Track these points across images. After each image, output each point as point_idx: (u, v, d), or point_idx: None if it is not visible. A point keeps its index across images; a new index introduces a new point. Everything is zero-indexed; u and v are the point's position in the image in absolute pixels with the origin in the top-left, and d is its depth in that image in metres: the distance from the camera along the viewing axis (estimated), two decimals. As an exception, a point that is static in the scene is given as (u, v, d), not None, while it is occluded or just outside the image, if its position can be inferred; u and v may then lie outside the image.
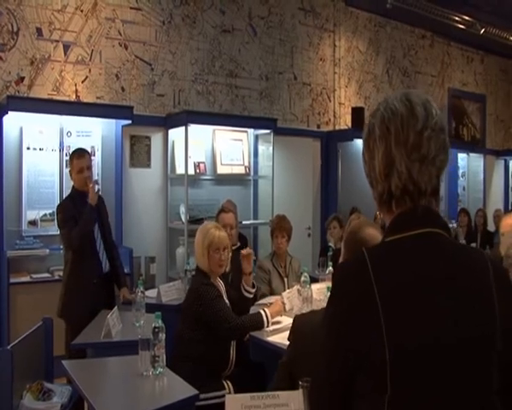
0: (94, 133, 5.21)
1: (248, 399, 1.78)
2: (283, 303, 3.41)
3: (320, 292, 3.81)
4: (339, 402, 1.12)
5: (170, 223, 5.76)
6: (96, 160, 5.15)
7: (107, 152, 5.24)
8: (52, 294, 4.43)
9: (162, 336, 2.42)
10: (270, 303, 3.42)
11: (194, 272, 4.16)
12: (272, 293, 4.03)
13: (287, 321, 3.24)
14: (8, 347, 2.61)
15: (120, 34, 5.52)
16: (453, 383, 1.05)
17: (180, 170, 5.72)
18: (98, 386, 2.48)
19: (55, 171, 5.08)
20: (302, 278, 3.62)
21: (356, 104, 7.72)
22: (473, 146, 9.88)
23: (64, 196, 4.98)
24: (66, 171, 5.07)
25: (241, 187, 6.38)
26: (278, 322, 3.24)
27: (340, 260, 2.07)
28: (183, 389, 2.35)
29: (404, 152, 1.11)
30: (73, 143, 5.08)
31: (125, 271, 4.28)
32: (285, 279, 4.25)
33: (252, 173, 6.40)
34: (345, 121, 7.64)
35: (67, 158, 5.05)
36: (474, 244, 7.73)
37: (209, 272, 3.17)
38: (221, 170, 6.09)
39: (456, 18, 8.29)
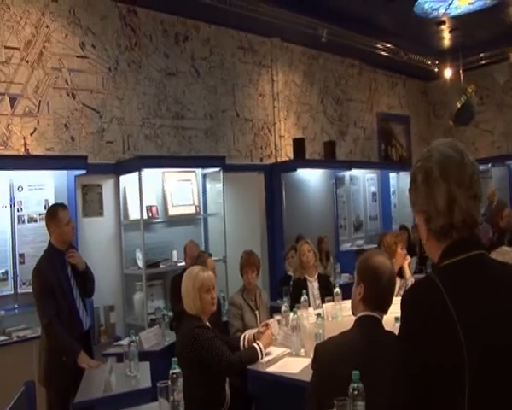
0: (47, 186, 5.15)
1: None
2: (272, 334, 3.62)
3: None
4: None
5: (125, 269, 5.77)
6: (51, 213, 5.09)
7: (60, 204, 5.18)
8: (12, 356, 4.39)
9: (180, 381, 2.50)
10: (260, 333, 3.59)
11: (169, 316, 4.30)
12: (245, 327, 4.17)
13: (276, 351, 3.48)
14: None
15: (68, 83, 5.51)
16: None
17: (133, 215, 5.76)
18: None
19: (6, 228, 4.96)
20: (283, 309, 4.05)
21: (295, 135, 8.03)
22: (401, 165, 10.48)
23: (17, 253, 4.95)
24: (18, 227, 5.01)
25: (192, 226, 6.49)
26: (268, 353, 3.44)
27: (354, 286, 2.31)
28: None
29: (463, 191, 1.34)
30: (25, 198, 5.05)
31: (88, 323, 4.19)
32: (256, 312, 4.40)
33: (202, 212, 6.52)
34: (285, 153, 7.91)
35: (20, 213, 5.02)
36: (414, 258, 8.21)
37: (201, 315, 3.28)
38: (172, 211, 6.18)
39: (379, 46, 8.82)
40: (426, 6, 7.76)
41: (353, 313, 2.40)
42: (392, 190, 10.29)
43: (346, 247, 8.70)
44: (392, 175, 10.23)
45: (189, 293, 3.28)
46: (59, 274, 3.80)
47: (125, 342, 4.21)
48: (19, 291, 4.94)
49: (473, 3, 7.77)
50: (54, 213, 3.91)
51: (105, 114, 5.79)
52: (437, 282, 1.28)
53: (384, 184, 9.94)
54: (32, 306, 4.83)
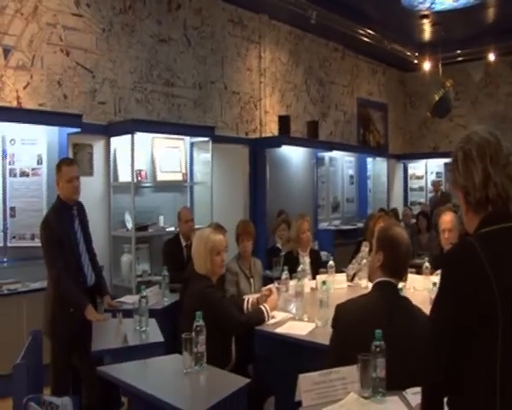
0: (39, 141, 5.08)
1: (317, 376, 2.16)
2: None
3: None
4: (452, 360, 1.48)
5: (113, 231, 5.76)
6: (44, 169, 5.04)
7: (52, 160, 5.11)
8: (1, 310, 4.41)
9: (203, 334, 2.58)
10: (265, 296, 3.66)
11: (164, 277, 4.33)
12: (240, 294, 4.24)
13: (280, 315, 3.58)
14: (19, 360, 2.61)
15: (62, 40, 5.43)
16: None
17: (123, 178, 5.75)
18: (153, 386, 2.47)
19: (-3, 180, 4.91)
20: (283, 276, 4.17)
21: (279, 112, 8.12)
22: (378, 151, 10.71)
23: (8, 207, 4.89)
24: (9, 180, 4.95)
25: (179, 193, 6.52)
26: (273, 317, 3.52)
27: (373, 254, 2.43)
28: (234, 381, 2.53)
29: (497, 169, 1.51)
30: (18, 151, 4.99)
31: (93, 279, 4.19)
32: (251, 280, 4.46)
33: (188, 180, 6.55)
34: (270, 129, 7.99)
35: (12, 166, 4.97)
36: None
37: (210, 275, 3.33)
38: (160, 177, 6.19)
39: (363, 32, 8.98)
40: (413, -1, 7.96)
41: (370, 280, 2.55)
42: (368, 174, 10.52)
43: (323, 226, 8.88)
44: (369, 160, 10.45)
45: (201, 254, 3.33)
46: (66, 228, 3.74)
47: (125, 299, 4.26)
48: (8, 245, 4.89)
49: (457, 1, 8.00)
50: (58, 168, 3.84)
51: (98, 75, 5.74)
52: (475, 245, 1.45)
53: (361, 168, 10.16)
54: (23, 260, 4.88)
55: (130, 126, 5.54)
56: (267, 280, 4.93)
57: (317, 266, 4.90)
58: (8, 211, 4.91)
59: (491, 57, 10.21)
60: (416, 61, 10.74)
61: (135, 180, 5.65)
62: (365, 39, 9.14)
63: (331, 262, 4.67)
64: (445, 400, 1.55)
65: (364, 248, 5.09)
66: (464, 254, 1.48)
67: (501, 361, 1.38)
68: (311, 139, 8.33)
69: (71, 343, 3.60)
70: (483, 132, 1.56)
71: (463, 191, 1.55)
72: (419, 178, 11.86)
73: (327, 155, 8.97)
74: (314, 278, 4.64)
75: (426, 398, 1.55)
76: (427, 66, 10.44)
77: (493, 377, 1.39)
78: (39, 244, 3.84)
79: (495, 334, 1.38)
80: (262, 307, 3.48)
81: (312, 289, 4.40)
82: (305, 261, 4.99)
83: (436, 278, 3.96)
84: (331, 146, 8.60)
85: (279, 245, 5.86)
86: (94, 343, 3.17)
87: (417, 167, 11.81)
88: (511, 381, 1.39)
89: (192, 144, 6.68)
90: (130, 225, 5.60)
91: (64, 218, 3.74)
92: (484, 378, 1.41)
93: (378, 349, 2.09)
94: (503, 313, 1.38)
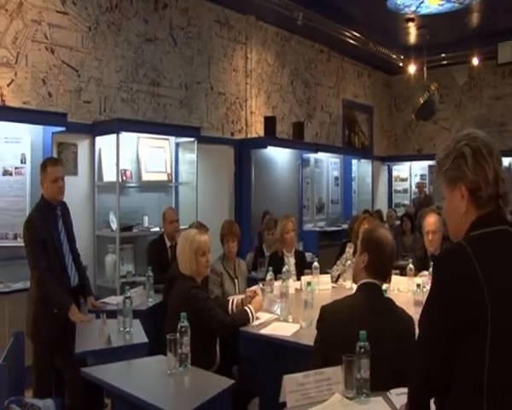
0: (23, 140, 5.03)
1: (301, 377, 2.17)
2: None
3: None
4: (442, 362, 1.49)
5: (98, 231, 5.72)
6: (27, 168, 4.99)
7: (36, 159, 5.06)
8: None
9: (188, 335, 2.57)
10: (250, 297, 3.65)
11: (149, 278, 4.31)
12: (224, 295, 4.24)
13: (265, 316, 3.58)
14: (0, 362, 2.59)
15: (47, 38, 5.38)
16: None
17: (108, 177, 5.71)
18: (137, 387, 2.46)
19: (-20, 179, 4.84)
20: (268, 277, 4.14)
21: (265, 113, 8.14)
22: (363, 153, 10.76)
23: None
24: (-7, 179, 4.89)
25: (164, 194, 6.49)
26: (258, 318, 3.52)
27: (357, 255, 2.44)
28: (218, 382, 2.52)
29: (501, 168, 1.55)
30: (1, 150, 4.94)
31: (76, 280, 4.17)
32: (235, 281, 4.47)
33: (173, 180, 6.53)
34: (255, 129, 8.00)
35: (-6, 165, 4.90)
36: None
37: (195, 276, 3.33)
38: (145, 177, 6.16)
39: (349, 34, 9.03)
40: (399, 2, 8.01)
41: (354, 281, 2.55)
42: (353, 176, 10.56)
43: (308, 227, 8.91)
44: (354, 162, 10.49)
45: (186, 255, 3.32)
46: (50, 228, 3.70)
47: (109, 300, 4.23)
48: (-10, 244, 4.83)
49: (442, 5, 8.07)
50: (43, 168, 3.79)
51: (83, 74, 5.69)
52: (467, 248, 1.45)
53: (346, 170, 10.21)
54: (5, 260, 4.83)
55: (115, 126, 5.51)
56: (252, 281, 4.93)
57: (302, 267, 4.91)
58: (-10, 210, 4.85)
59: (475, 61, 10.34)
60: (401, 64, 10.82)
61: (120, 180, 5.62)
62: (351, 41, 9.20)
63: (316, 263, 4.69)
64: (433, 400, 1.56)
65: (349, 250, 5.10)
66: (456, 258, 1.49)
67: (489, 362, 1.40)
68: (297, 140, 8.35)
69: (54, 345, 3.57)
70: (484, 134, 1.58)
71: (471, 186, 1.53)
72: (403, 180, 11.96)
73: (312, 156, 9.00)
74: (299, 279, 4.65)
75: (413, 399, 1.56)
76: (412, 69, 10.51)
77: (481, 377, 1.40)
78: (22, 244, 3.82)
79: (484, 336, 1.40)
80: (247, 308, 3.48)
81: (297, 290, 4.41)
82: (290, 262, 5.00)
83: (420, 280, 4.00)
84: (316, 147, 8.63)
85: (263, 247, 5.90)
86: (77, 344, 3.15)
87: (402, 170, 11.91)
88: (498, 382, 1.40)
89: (177, 144, 6.67)
90: (114, 225, 5.57)
91: (48, 218, 3.71)
92: (472, 379, 1.42)
93: (362, 350, 2.10)
94: (493, 316, 1.39)
